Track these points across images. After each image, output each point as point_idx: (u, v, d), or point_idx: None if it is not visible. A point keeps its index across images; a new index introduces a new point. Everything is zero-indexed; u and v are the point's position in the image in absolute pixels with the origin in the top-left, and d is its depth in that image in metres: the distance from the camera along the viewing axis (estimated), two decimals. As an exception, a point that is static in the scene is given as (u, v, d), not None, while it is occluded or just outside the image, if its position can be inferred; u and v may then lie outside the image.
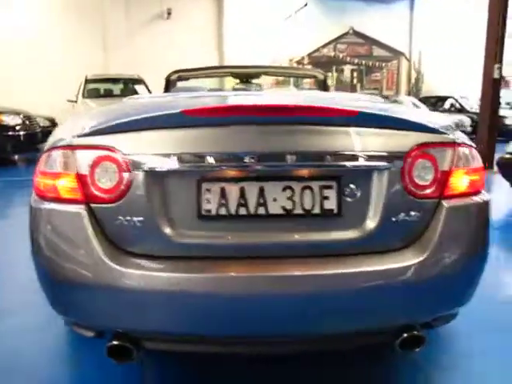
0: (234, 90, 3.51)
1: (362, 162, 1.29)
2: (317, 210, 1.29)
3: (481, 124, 7.32)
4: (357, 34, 15.55)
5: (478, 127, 7.46)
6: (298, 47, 14.84)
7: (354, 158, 1.29)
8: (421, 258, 1.28)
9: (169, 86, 3.69)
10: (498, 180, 5.20)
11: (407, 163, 1.32)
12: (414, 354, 1.90)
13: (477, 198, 1.42)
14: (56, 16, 12.46)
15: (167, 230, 1.27)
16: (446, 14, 16.09)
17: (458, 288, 1.38)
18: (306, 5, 14.39)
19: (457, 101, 13.55)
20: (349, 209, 1.31)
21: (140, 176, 1.26)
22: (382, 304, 1.29)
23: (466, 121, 11.55)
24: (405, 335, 1.32)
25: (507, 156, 4.90)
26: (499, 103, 7.30)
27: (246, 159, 1.26)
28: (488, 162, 6.37)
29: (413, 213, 1.31)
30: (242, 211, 1.28)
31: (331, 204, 1.30)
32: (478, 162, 1.44)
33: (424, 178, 1.33)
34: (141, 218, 1.26)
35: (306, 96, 2.13)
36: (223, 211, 1.28)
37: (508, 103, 14.59)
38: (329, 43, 15.35)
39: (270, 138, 1.29)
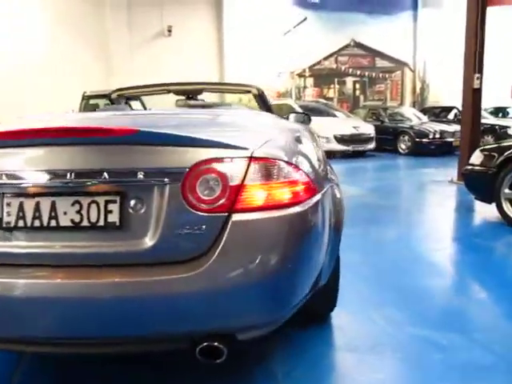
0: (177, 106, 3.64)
1: (141, 178, 1.37)
2: (101, 223, 1.39)
3: (462, 134, 7.24)
4: (358, 45, 15.58)
5: (460, 138, 7.37)
6: (299, 60, 14.96)
7: (135, 174, 1.37)
8: (201, 269, 1.32)
9: (113, 103, 3.82)
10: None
11: (190, 178, 1.37)
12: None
13: (280, 212, 1.42)
14: (61, 34, 12.93)
15: None
16: (451, 23, 15.98)
17: (249, 302, 1.39)
18: (305, 19, 14.53)
19: (459, 111, 13.39)
20: (132, 222, 1.38)
21: None
22: (166, 312, 1.35)
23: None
24: (204, 344, 1.37)
25: (468, 167, 4.85)
26: (480, 113, 7.20)
27: (40, 177, 1.40)
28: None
29: (198, 227, 1.35)
30: (37, 223, 1.40)
31: (114, 217, 1.38)
32: (285, 175, 1.45)
33: (209, 193, 1.37)
34: None
35: (159, 116, 2.19)
36: (21, 223, 1.40)
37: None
38: (330, 55, 15.41)
39: (61, 157, 1.42)
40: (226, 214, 1.37)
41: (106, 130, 1.40)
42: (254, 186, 1.39)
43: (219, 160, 1.38)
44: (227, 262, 1.34)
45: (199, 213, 1.36)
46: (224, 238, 1.34)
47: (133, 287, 1.33)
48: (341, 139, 10.58)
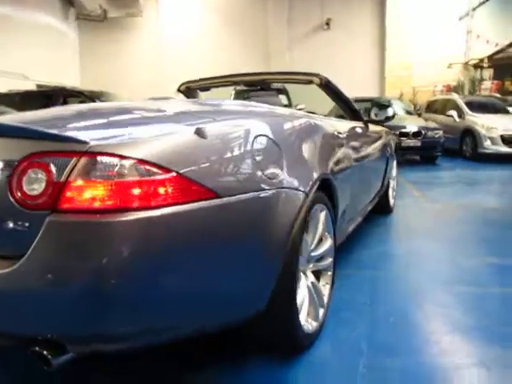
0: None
1: None
2: None
3: None
4: (558, 28, 12.84)
5: None
6: (476, 49, 13.08)
7: None
8: (12, 268, 1.23)
9: (186, 96, 3.80)
10: None
11: (17, 171, 1.28)
12: None
13: (112, 216, 1.21)
14: (224, 30, 13.78)
15: None
16: None
17: (56, 310, 1.23)
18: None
19: None
20: None
21: None
22: None
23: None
24: (35, 348, 1.25)
25: None
26: None
27: None
28: None
29: (22, 223, 1.26)
30: None
31: None
32: (132, 174, 1.24)
33: (34, 189, 1.26)
34: None
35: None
36: None
37: None
38: (517, 42, 13.04)
39: None
40: (48, 212, 1.23)
41: None
42: (82, 184, 1.24)
43: (48, 154, 1.27)
44: (35, 263, 1.22)
45: (24, 209, 1.26)
46: (37, 238, 1.22)
47: None
48: (509, 140, 8.87)
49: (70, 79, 13.68)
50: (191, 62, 13.71)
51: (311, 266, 2.05)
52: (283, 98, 10.46)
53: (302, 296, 1.89)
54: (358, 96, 10.74)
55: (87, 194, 1.22)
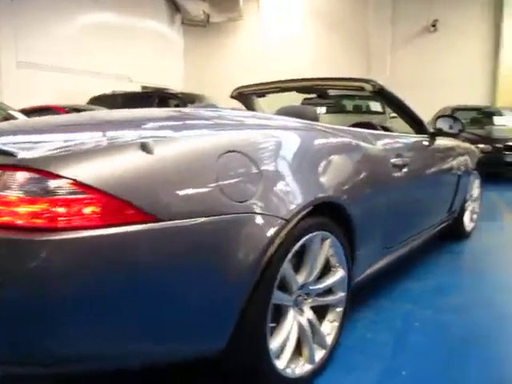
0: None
1: None
2: None
3: None
4: None
5: None
6: None
7: None
8: None
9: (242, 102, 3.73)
10: None
11: None
12: None
13: (20, 235, 1.13)
14: (323, 30, 13.53)
15: None
16: None
17: None
18: None
19: None
20: None
21: None
22: None
23: None
24: None
25: None
26: None
27: None
28: None
29: None
30: None
31: None
32: (51, 190, 1.16)
33: None
34: None
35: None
36: None
37: None
38: None
39: None
40: None
41: None
42: (1, 200, 1.17)
43: None
44: None
45: None
46: None
47: None
48: None
49: (174, 82, 14.40)
50: (292, 65, 13.62)
51: (310, 300, 1.80)
52: (376, 105, 9.88)
53: (286, 335, 1.66)
54: (461, 104, 9.88)
55: (5, 210, 1.16)
